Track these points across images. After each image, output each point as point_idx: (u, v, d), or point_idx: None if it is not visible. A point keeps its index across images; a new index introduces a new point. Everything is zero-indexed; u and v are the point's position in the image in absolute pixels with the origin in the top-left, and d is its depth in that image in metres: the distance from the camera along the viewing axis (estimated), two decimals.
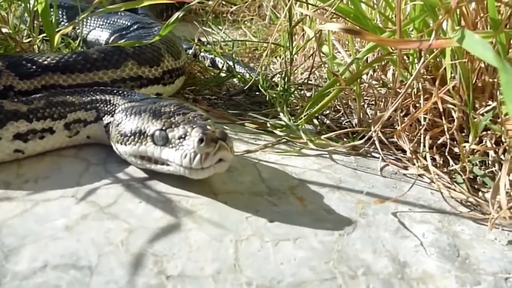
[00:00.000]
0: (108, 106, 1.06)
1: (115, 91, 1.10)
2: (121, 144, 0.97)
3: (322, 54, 1.34)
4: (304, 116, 1.21)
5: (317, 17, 1.11)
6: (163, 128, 0.91)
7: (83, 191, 0.90)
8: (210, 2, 2.56)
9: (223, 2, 2.58)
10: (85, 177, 0.95)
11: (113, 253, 0.74)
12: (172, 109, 0.96)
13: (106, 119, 1.05)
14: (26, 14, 1.57)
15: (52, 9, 1.48)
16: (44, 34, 1.47)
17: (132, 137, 0.95)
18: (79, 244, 0.75)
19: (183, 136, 0.88)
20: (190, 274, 0.71)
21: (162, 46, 1.31)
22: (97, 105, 1.07)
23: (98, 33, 1.74)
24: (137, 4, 1.50)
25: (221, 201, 0.90)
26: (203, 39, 1.89)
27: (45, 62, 1.18)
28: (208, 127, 0.88)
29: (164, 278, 0.70)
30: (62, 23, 1.78)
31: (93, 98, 1.07)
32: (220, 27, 2.09)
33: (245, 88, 1.46)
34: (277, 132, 1.20)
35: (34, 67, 1.17)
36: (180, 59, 1.35)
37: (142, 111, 0.96)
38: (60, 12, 1.83)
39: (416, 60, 1.18)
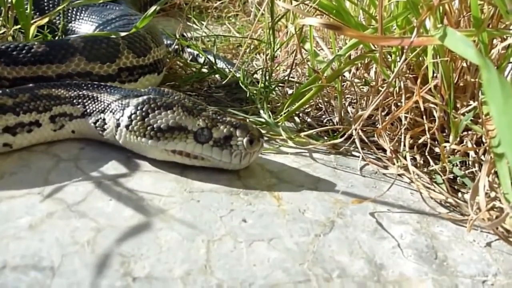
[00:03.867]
0: (96, 102, 1.03)
1: (102, 87, 1.07)
2: (151, 138, 0.94)
3: (304, 51, 1.32)
4: (284, 113, 1.19)
5: (298, 11, 1.08)
6: (208, 126, 0.94)
7: (51, 188, 0.86)
8: None
9: None
10: (54, 174, 0.91)
11: (78, 253, 0.70)
12: (195, 105, 1.00)
13: (96, 115, 1.02)
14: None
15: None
16: (19, 26, 1.42)
17: (169, 132, 0.94)
18: (42, 244, 0.71)
19: (228, 136, 0.95)
20: (158, 276, 0.68)
21: (122, 42, 1.23)
22: (84, 100, 1.04)
23: (82, 25, 1.69)
24: None
25: (195, 199, 0.87)
26: (188, 34, 1.85)
27: None
28: (249, 127, 0.96)
29: (131, 280, 0.67)
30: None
31: (80, 93, 1.05)
32: (203, 22, 2.05)
33: (223, 83, 1.43)
34: None
35: None
36: (147, 56, 1.28)
37: (171, 104, 0.97)
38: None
39: (398, 58, 1.17)
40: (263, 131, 1.16)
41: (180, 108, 0.96)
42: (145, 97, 0.98)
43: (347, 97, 1.36)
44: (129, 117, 0.96)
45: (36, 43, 1.15)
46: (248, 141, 0.94)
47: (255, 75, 1.53)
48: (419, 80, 1.01)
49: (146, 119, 0.95)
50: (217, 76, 1.59)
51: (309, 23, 0.86)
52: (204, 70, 1.60)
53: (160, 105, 0.96)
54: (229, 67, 1.56)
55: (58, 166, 0.95)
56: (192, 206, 0.85)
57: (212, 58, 1.57)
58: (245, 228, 0.80)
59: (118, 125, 0.97)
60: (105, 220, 0.78)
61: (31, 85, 1.06)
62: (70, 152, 1.00)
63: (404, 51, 0.98)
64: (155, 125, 0.94)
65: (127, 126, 0.96)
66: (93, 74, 1.17)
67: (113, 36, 1.19)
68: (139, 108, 0.96)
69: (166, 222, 0.80)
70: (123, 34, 1.19)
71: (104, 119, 1.01)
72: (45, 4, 1.77)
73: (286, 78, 1.37)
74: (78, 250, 0.71)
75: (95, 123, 1.02)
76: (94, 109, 1.03)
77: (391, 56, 1.21)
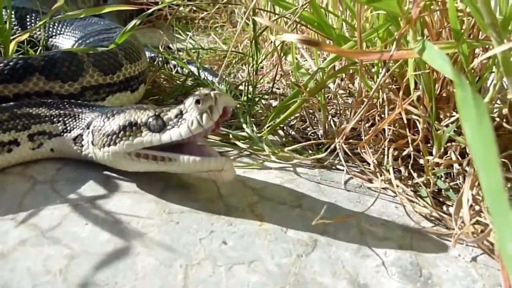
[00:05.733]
0: (77, 119, 1.03)
1: (84, 105, 1.07)
2: (109, 145, 0.92)
3: (288, 62, 1.31)
4: (268, 127, 1.17)
5: (276, 27, 1.07)
6: (156, 114, 0.90)
7: (25, 213, 0.84)
8: (181, 8, 2.51)
9: (194, 8, 2.53)
10: (30, 197, 0.89)
11: (50, 283, 0.68)
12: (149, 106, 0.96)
13: (75, 131, 1.01)
14: None
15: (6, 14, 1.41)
16: None
17: (122, 132, 0.91)
18: (12, 274, 0.69)
19: (179, 113, 0.88)
20: None
21: (87, 60, 1.19)
22: (65, 118, 1.03)
23: (65, 40, 1.66)
24: (98, 11, 1.44)
25: (175, 221, 0.85)
26: (174, 46, 1.84)
27: None
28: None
29: None
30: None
31: (62, 111, 1.04)
32: (188, 33, 2.04)
33: None
34: (239, 144, 1.16)
35: None
36: (116, 73, 1.24)
37: (125, 109, 0.95)
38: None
39: (380, 70, 1.16)
40: (245, 146, 1.15)
41: (131, 109, 0.94)
42: (105, 109, 0.98)
43: (332, 108, 1.35)
44: (92, 132, 0.97)
45: None
46: (195, 101, 0.86)
47: (240, 86, 1.52)
48: (401, 92, 1.01)
49: (102, 129, 0.94)
50: (201, 88, 1.57)
51: (287, 39, 0.85)
52: (189, 82, 1.58)
53: (115, 113, 0.95)
54: (213, 79, 1.55)
55: (34, 188, 0.92)
56: (171, 228, 0.83)
57: (195, 70, 1.56)
58: (225, 251, 0.78)
59: (90, 142, 0.98)
60: (79, 246, 0.76)
61: (11, 103, 1.05)
62: (46, 174, 0.98)
63: (386, 62, 0.97)
64: (109, 131, 0.93)
65: (92, 142, 0.96)
66: (53, 94, 1.14)
67: (79, 53, 1.16)
68: (97, 121, 0.96)
69: (144, 247, 0.77)
70: (90, 50, 1.16)
71: (81, 135, 1.00)
72: (27, 19, 1.75)
73: (269, 90, 1.36)
74: (50, 280, 0.69)
75: (74, 139, 1.01)
76: (73, 126, 1.02)
77: (373, 67, 1.20)
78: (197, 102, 0.86)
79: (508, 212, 0.43)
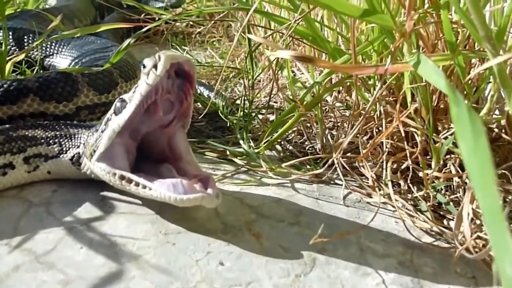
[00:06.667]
0: (73, 139, 1.03)
1: (80, 125, 1.07)
2: (94, 152, 0.93)
3: (283, 77, 1.30)
4: (265, 143, 1.16)
5: (269, 44, 1.07)
6: (120, 98, 0.90)
7: (20, 238, 0.83)
8: (177, 24, 2.52)
9: (191, 23, 2.54)
10: (24, 221, 0.88)
11: None
12: None
13: (72, 151, 1.01)
14: None
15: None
16: None
17: (100, 132, 0.92)
18: None
19: (136, 87, 0.87)
20: None
21: (81, 79, 1.18)
22: (61, 139, 1.03)
23: (62, 60, 1.66)
24: (94, 30, 1.44)
25: (171, 242, 0.84)
26: None
27: None
28: None
29: None
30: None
31: (58, 133, 1.04)
32: (185, 48, 2.04)
33: (205, 112, 1.40)
34: (237, 160, 1.15)
35: None
36: (111, 92, 1.23)
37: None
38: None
39: (377, 82, 1.15)
40: (243, 162, 1.13)
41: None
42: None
43: (330, 121, 1.34)
44: (84, 145, 0.98)
45: None
46: (142, 66, 0.84)
47: (237, 101, 1.51)
48: (398, 105, 1.00)
49: (89, 139, 0.96)
50: (199, 104, 1.57)
51: (281, 56, 0.84)
52: None
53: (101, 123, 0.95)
54: (209, 94, 1.54)
55: (29, 211, 0.91)
56: (167, 249, 0.82)
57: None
58: (222, 272, 0.77)
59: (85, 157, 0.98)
60: (74, 271, 0.75)
61: (7, 126, 1.04)
62: (41, 196, 0.97)
63: (382, 75, 0.96)
64: (93, 139, 0.94)
65: (85, 155, 0.97)
66: (48, 115, 1.13)
67: (74, 73, 1.16)
68: (88, 135, 0.98)
69: (139, 270, 0.76)
70: (84, 70, 1.16)
71: (78, 153, 1.00)
72: (25, 40, 1.75)
73: (266, 105, 1.35)
74: None
75: (71, 159, 1.01)
76: (69, 146, 1.02)
77: (370, 79, 1.20)
78: (143, 66, 0.83)
79: (506, 235, 0.42)
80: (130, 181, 0.88)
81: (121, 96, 0.91)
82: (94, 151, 0.93)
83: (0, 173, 0.97)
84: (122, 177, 0.89)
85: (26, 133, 1.01)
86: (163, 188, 0.84)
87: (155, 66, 0.82)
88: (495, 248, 0.43)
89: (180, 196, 0.82)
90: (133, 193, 0.90)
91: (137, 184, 0.87)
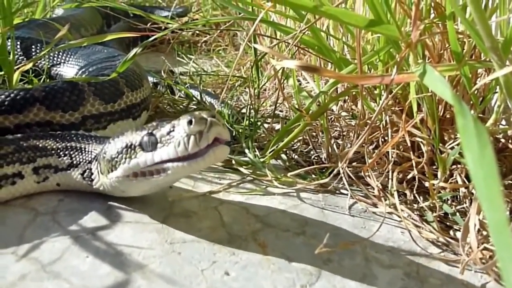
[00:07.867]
0: (84, 153, 1.01)
1: (92, 137, 1.06)
2: (112, 170, 0.91)
3: (289, 86, 1.30)
4: (270, 152, 1.16)
5: (274, 54, 1.07)
6: (150, 131, 0.87)
7: (26, 247, 0.83)
8: (184, 33, 2.53)
9: (197, 32, 2.56)
10: (31, 230, 0.88)
11: None
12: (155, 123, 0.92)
13: (83, 166, 1.00)
14: None
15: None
16: (2, 72, 1.42)
17: (120, 155, 0.90)
18: None
19: (171, 129, 0.84)
20: None
21: (87, 89, 1.18)
22: (71, 152, 1.02)
23: (69, 69, 1.68)
24: (100, 39, 1.46)
25: (176, 251, 0.84)
26: (177, 70, 1.85)
27: None
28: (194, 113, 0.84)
29: None
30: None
31: (68, 144, 1.03)
32: (191, 57, 2.05)
33: None
34: (242, 169, 1.15)
35: None
36: (118, 102, 1.23)
37: (124, 132, 0.93)
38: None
39: (383, 92, 1.15)
40: (248, 171, 1.14)
41: (130, 131, 0.92)
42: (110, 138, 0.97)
43: (336, 130, 1.34)
44: (98, 161, 0.96)
45: None
46: (187, 122, 0.81)
47: (243, 110, 1.52)
48: (403, 115, 1.00)
49: (105, 156, 0.93)
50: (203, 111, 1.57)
51: (286, 65, 0.85)
52: (193, 106, 1.59)
53: (115, 138, 0.94)
54: (215, 103, 1.55)
55: (35, 220, 0.92)
56: (173, 259, 0.82)
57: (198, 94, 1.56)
58: (227, 282, 0.77)
59: (99, 172, 0.96)
60: (79, 281, 0.75)
61: (19, 135, 1.04)
62: (48, 205, 0.97)
63: (388, 85, 0.96)
64: (109, 156, 0.92)
65: (100, 171, 0.95)
66: (54, 124, 1.13)
67: (80, 83, 1.16)
68: (102, 149, 0.95)
69: (145, 279, 0.76)
70: (90, 80, 1.16)
71: (90, 169, 0.99)
72: (33, 49, 1.77)
73: (271, 114, 1.36)
74: None
75: (82, 174, 1.00)
76: (81, 160, 1.01)
77: (376, 89, 1.20)
78: (189, 122, 0.81)
79: None
80: (143, 174, 0.88)
81: (150, 130, 0.87)
82: (112, 170, 0.91)
83: (9, 182, 0.97)
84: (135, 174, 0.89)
85: (37, 143, 1.01)
86: (171, 164, 0.84)
87: (200, 133, 0.81)
88: (501, 260, 0.43)
89: (194, 161, 0.82)
90: (153, 189, 0.92)
91: (144, 174, 0.88)
